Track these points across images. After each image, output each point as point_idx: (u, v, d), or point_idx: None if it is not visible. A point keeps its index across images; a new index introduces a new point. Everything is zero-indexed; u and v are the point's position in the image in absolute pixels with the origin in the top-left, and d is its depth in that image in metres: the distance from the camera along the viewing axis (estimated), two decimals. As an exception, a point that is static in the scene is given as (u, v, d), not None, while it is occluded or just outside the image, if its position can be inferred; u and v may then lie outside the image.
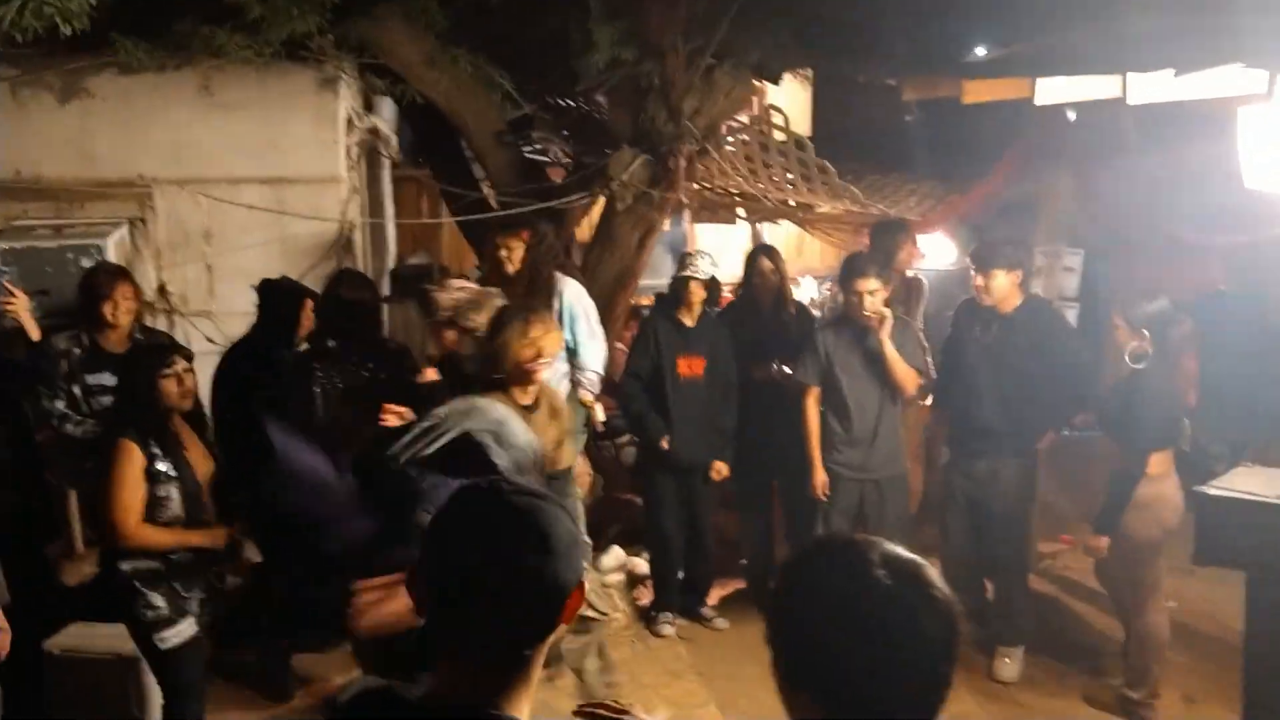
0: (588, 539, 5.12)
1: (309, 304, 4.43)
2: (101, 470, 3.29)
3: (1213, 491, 3.21)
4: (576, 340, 4.82)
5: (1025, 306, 4.41)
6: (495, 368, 3.58)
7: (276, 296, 4.38)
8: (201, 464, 3.43)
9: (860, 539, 1.29)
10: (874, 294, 4.49)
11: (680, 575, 5.22)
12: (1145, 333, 4.06)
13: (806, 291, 7.43)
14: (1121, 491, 3.96)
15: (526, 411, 3.58)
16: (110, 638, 3.66)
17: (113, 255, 4.57)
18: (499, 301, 3.93)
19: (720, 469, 4.90)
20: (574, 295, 4.83)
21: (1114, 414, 4.19)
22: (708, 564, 5.23)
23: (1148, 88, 3.66)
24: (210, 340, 4.73)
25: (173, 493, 3.33)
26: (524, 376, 3.62)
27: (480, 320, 3.80)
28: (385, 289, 5.82)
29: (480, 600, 1.31)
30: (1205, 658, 4.58)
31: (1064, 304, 5.29)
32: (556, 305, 4.78)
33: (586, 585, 1.42)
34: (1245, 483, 3.28)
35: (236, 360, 4.31)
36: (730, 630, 5.16)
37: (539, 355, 3.58)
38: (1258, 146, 3.31)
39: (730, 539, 5.59)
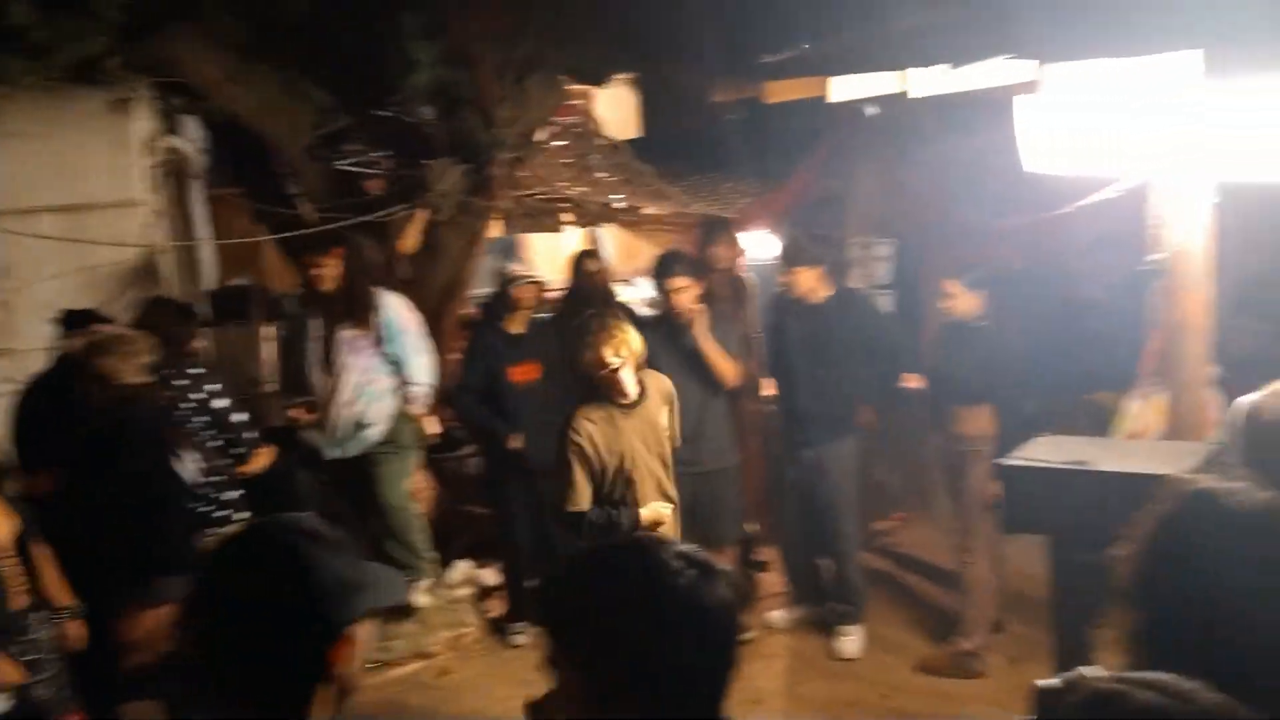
0: (429, 554, 5.07)
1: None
2: None
3: (1011, 462, 3.38)
4: (402, 355, 4.76)
5: (835, 297, 4.59)
6: (588, 381, 3.73)
7: (74, 328, 4.18)
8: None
9: (646, 540, 1.32)
10: (683, 290, 4.58)
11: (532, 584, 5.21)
12: (983, 293, 4.43)
13: (641, 292, 7.50)
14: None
15: (629, 409, 3.73)
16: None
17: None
18: (140, 347, 3.70)
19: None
20: (394, 309, 4.76)
21: (938, 374, 4.48)
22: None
23: (927, 82, 3.87)
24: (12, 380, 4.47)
25: None
26: (608, 383, 3.68)
27: (112, 365, 3.56)
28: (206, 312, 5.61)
29: (242, 639, 1.28)
30: (1030, 621, 4.84)
31: (878, 291, 5.51)
32: (378, 320, 4.71)
33: (369, 629, 1.39)
34: (1043, 452, 3.46)
35: (36, 398, 4.09)
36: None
37: (605, 361, 3.64)
38: (1032, 132, 3.51)
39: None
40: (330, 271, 4.59)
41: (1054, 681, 1.70)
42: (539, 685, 4.46)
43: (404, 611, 5.05)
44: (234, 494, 4.08)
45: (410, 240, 5.53)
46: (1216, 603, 1.54)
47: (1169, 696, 1.10)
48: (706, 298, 4.68)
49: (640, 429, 3.81)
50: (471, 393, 4.88)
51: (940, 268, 4.86)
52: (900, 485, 6.33)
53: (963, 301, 4.49)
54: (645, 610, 1.22)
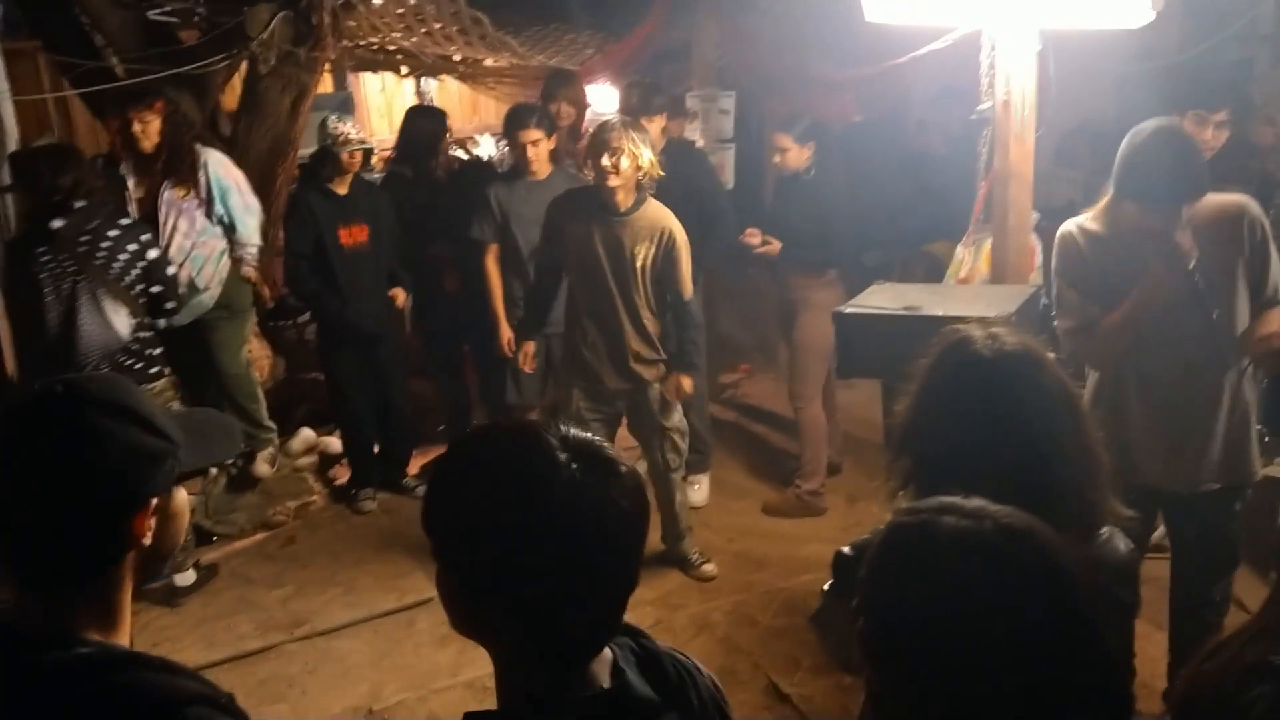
0: (268, 424, 4.94)
1: None
2: None
3: (846, 310, 3.47)
4: (231, 215, 4.53)
5: (669, 148, 4.55)
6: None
7: None
8: None
9: (529, 424, 1.18)
10: (537, 144, 4.48)
11: (376, 449, 5.16)
12: (810, 145, 4.50)
13: (485, 149, 7.30)
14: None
15: (620, 218, 3.85)
16: None
17: None
18: None
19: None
20: (219, 166, 4.51)
21: (774, 228, 4.55)
22: (403, 434, 5.18)
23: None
24: None
25: None
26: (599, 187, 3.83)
27: None
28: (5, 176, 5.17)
29: (29, 521, 1.22)
30: (863, 462, 5.10)
31: (721, 145, 5.49)
32: (203, 179, 4.46)
33: (169, 502, 1.32)
34: (877, 299, 3.57)
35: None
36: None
37: (600, 165, 3.75)
38: (873, -19, 3.48)
39: (429, 406, 5.56)
40: (150, 128, 4.28)
41: (846, 549, 1.78)
42: (390, 549, 4.43)
43: (245, 483, 4.95)
44: (159, 350, 4.07)
45: (231, 95, 5.19)
46: (974, 437, 1.64)
47: (967, 517, 1.16)
48: (554, 153, 4.60)
49: (612, 244, 3.84)
50: (301, 258, 4.69)
51: (779, 121, 4.87)
52: (744, 338, 6.49)
53: (793, 155, 4.54)
54: (520, 510, 1.09)
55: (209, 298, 4.54)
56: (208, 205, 4.49)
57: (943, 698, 1.10)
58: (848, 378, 4.31)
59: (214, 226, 4.51)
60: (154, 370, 4.04)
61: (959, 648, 1.08)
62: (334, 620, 4.12)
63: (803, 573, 4.23)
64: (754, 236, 4.61)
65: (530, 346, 4.43)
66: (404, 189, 5.02)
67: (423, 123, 5.16)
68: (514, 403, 4.85)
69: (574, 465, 1.10)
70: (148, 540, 1.28)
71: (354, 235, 4.69)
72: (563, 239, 4.02)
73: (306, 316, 5.66)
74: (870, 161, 5.25)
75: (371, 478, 5.11)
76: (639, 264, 3.89)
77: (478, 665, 3.92)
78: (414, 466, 5.26)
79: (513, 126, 4.55)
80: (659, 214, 3.90)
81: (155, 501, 1.28)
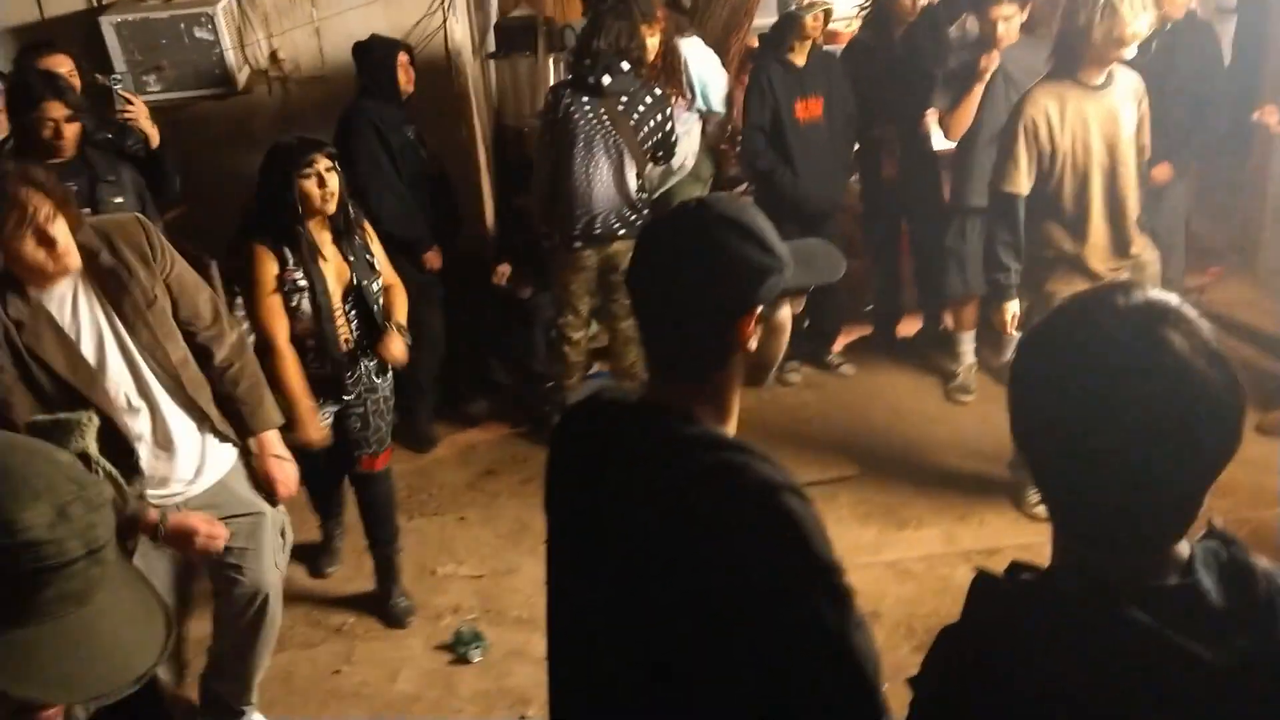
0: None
1: (403, 57, 4.39)
2: (240, 275, 3.25)
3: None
4: (708, 102, 4.71)
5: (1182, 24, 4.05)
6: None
7: (369, 55, 4.37)
8: (338, 272, 3.31)
9: (1107, 292, 1.08)
10: (1009, 19, 4.19)
11: (806, 323, 5.21)
12: None
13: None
14: None
15: (1095, 90, 3.53)
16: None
17: (223, 22, 4.51)
18: None
19: None
20: (697, 61, 4.71)
21: None
22: (832, 311, 5.19)
23: None
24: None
25: (304, 304, 3.23)
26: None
27: None
28: (491, 44, 5.66)
29: (661, 313, 1.45)
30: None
31: (1224, 14, 4.81)
32: (684, 79, 4.63)
33: (773, 315, 1.46)
34: None
35: (350, 125, 4.31)
36: (857, 376, 5.18)
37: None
38: None
39: (857, 285, 5.51)
40: (652, 40, 4.38)
41: None
42: (811, 423, 4.48)
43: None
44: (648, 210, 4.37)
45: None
46: None
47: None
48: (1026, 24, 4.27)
49: (1102, 117, 3.55)
50: (758, 131, 4.74)
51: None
52: (1218, 237, 5.79)
53: None
54: (1080, 381, 1.03)
55: (687, 169, 4.79)
56: (690, 100, 4.70)
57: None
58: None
59: (694, 115, 4.70)
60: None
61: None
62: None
63: (1275, 505, 3.78)
64: (1271, 115, 4.02)
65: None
66: (861, 59, 4.89)
67: None
68: (956, 290, 4.67)
69: (1136, 325, 1.03)
70: (752, 345, 1.43)
71: (810, 109, 4.66)
72: None
73: (744, 187, 5.75)
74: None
75: (799, 351, 5.17)
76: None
77: (899, 547, 3.93)
78: (839, 344, 5.27)
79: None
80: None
81: (760, 310, 1.42)
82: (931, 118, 4.60)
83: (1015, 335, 3.76)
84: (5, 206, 2.35)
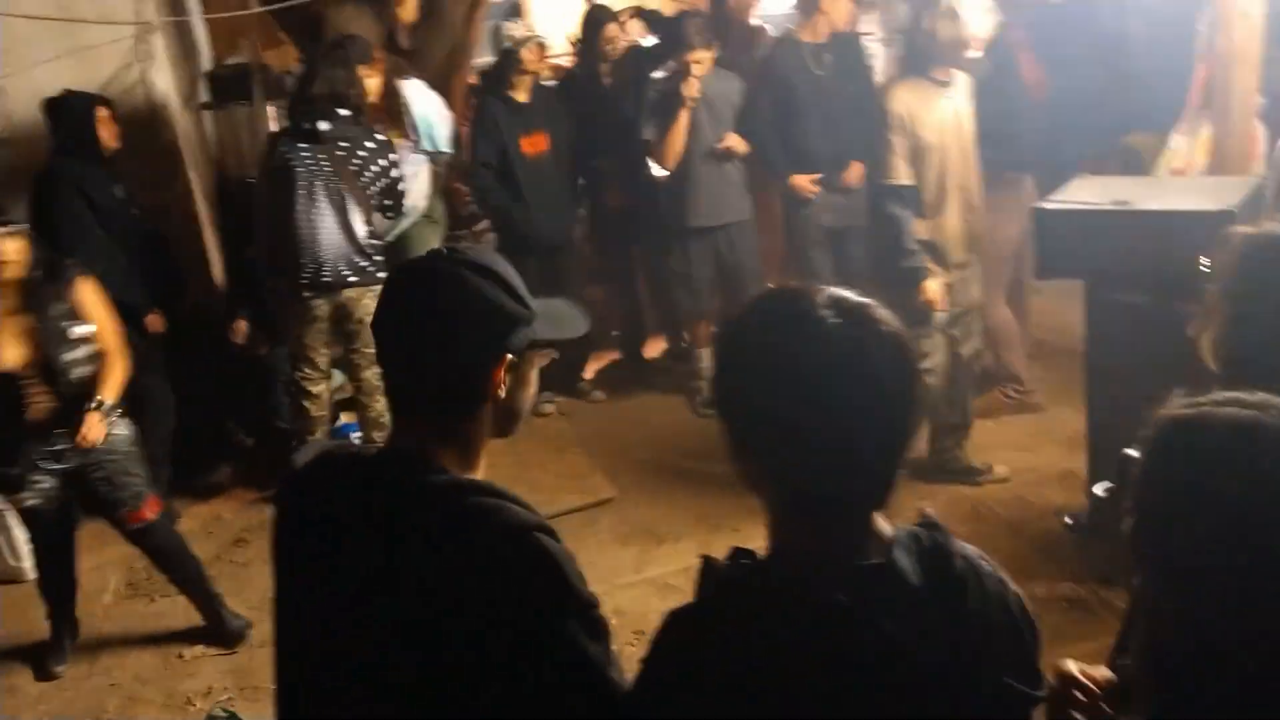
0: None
1: (102, 112, 4.18)
2: None
3: (1049, 205, 3.30)
4: (434, 141, 4.66)
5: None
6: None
7: (63, 113, 4.15)
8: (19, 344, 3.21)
9: (802, 288, 1.19)
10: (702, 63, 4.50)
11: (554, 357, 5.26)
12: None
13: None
14: None
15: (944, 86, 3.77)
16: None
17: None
18: None
19: None
20: (418, 99, 4.66)
21: None
22: (583, 340, 5.26)
23: None
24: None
25: None
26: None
27: None
28: (202, 94, 5.42)
29: (401, 360, 1.43)
30: (1055, 368, 4.89)
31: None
32: (407, 119, 4.58)
33: (522, 366, 1.46)
34: (1080, 193, 3.38)
35: (47, 188, 4.02)
36: (608, 402, 5.28)
37: None
38: None
39: (600, 313, 5.62)
40: (372, 83, 4.31)
41: (1132, 450, 1.64)
42: (568, 451, 4.47)
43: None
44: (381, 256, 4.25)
45: (409, 8, 5.26)
46: None
47: (1249, 407, 1.09)
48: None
49: (952, 112, 3.76)
50: (486, 167, 4.76)
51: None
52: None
53: None
54: (773, 360, 1.13)
55: (419, 211, 4.69)
56: (415, 141, 4.64)
57: (1217, 593, 1.05)
58: (1048, 278, 4.11)
59: (421, 156, 4.65)
60: (380, 274, 4.19)
61: (1235, 538, 1.03)
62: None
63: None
64: None
65: None
66: (575, 94, 5.02)
67: (591, 14, 5.12)
68: (688, 309, 4.85)
69: (833, 318, 1.12)
70: (502, 393, 1.43)
71: (535, 144, 4.73)
72: None
73: (483, 226, 5.76)
74: (1068, 45, 4.88)
75: (551, 382, 5.22)
76: None
77: (659, 563, 4.01)
78: (590, 371, 5.35)
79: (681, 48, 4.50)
80: None
81: (510, 358, 1.42)
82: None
83: (944, 310, 3.87)
84: None
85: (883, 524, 1.18)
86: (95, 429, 3.32)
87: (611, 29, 5.00)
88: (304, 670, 1.52)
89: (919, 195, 3.80)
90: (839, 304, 1.14)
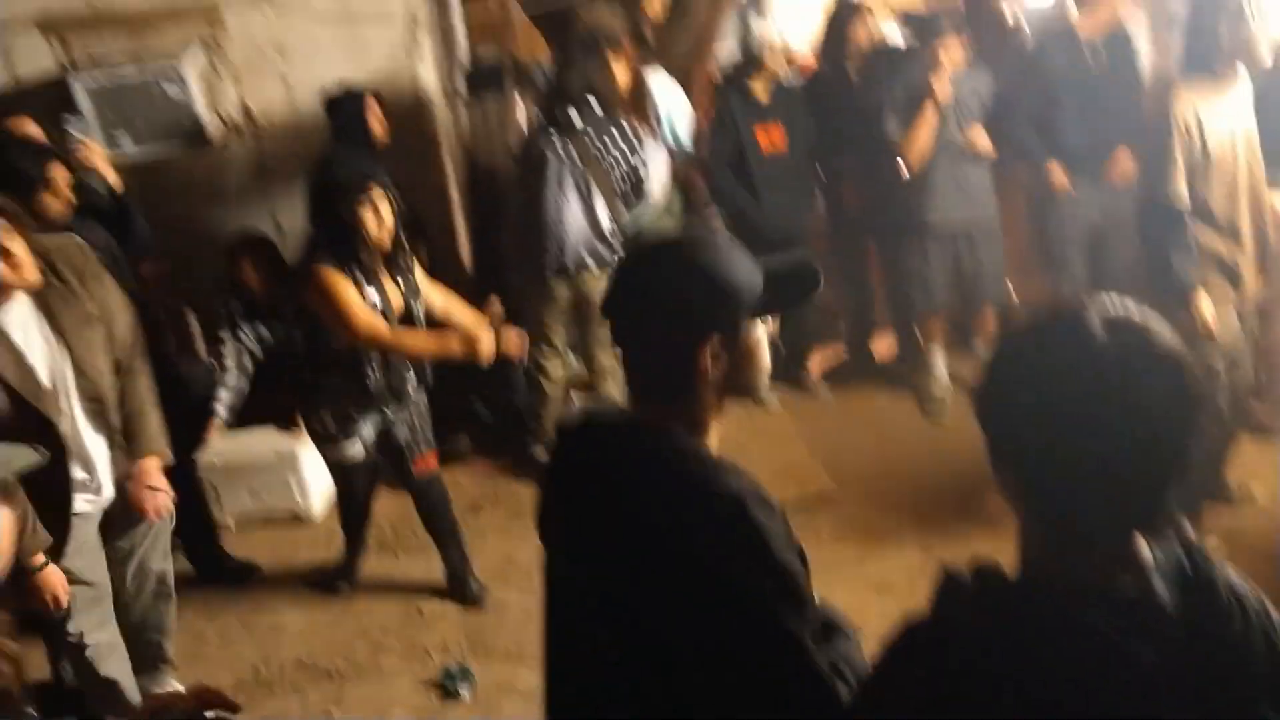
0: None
1: (374, 105, 4.48)
2: (320, 302, 3.40)
3: None
4: (676, 135, 4.77)
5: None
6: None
7: (339, 105, 4.47)
8: (392, 294, 3.53)
9: (1079, 304, 1.15)
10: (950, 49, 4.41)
11: (780, 347, 5.29)
12: None
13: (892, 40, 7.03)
14: None
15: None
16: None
17: (193, 79, 4.59)
18: None
19: None
20: (662, 92, 4.77)
21: None
22: (807, 330, 5.27)
23: None
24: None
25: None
26: None
27: None
28: (461, 86, 5.75)
29: (623, 339, 1.55)
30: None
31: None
32: (651, 111, 4.72)
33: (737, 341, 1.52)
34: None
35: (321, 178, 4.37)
36: (833, 397, 5.25)
37: None
38: None
39: (829, 307, 5.59)
40: (620, 71, 4.46)
41: None
42: (791, 445, 4.51)
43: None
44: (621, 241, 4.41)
45: (657, 4, 5.38)
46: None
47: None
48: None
49: (1236, 114, 3.48)
50: (723, 164, 4.83)
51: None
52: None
53: None
54: (1055, 389, 1.10)
55: (658, 202, 4.82)
56: (657, 132, 4.77)
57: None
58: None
59: (661, 147, 4.77)
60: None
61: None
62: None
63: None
64: None
65: None
66: (821, 91, 5.00)
67: (838, 11, 5.09)
68: (922, 306, 4.76)
69: (1108, 339, 1.09)
70: (716, 369, 1.49)
71: (773, 141, 4.75)
72: None
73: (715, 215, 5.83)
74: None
75: (774, 372, 5.24)
76: None
77: (877, 561, 3.99)
78: (815, 365, 5.34)
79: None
80: None
81: (718, 336, 1.48)
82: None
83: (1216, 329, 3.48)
84: None
85: (1144, 547, 1.14)
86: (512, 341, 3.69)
87: (858, 26, 4.95)
88: (561, 616, 1.66)
89: (1206, 207, 3.47)
90: (1115, 324, 1.11)
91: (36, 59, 4.70)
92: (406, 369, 3.61)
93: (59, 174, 3.36)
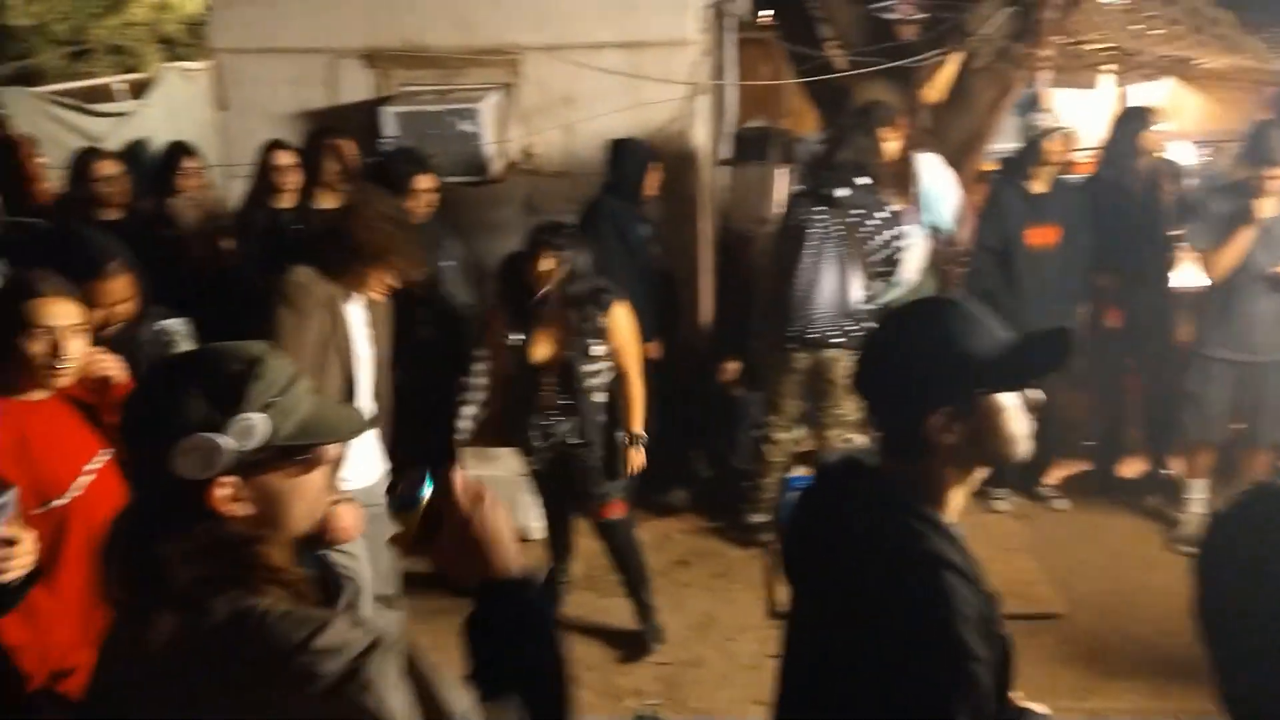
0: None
1: (654, 166, 4.63)
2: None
3: None
4: (938, 218, 4.70)
5: None
6: None
7: (624, 157, 4.62)
8: (546, 342, 3.77)
9: None
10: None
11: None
12: None
13: (1179, 159, 6.71)
14: None
15: None
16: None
17: (486, 118, 4.91)
18: None
19: None
20: (932, 174, 4.71)
21: None
22: (1048, 438, 5.02)
23: None
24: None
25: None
26: None
27: None
28: (726, 152, 5.90)
29: (865, 401, 1.59)
30: None
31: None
32: (913, 190, 4.67)
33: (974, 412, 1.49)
34: None
35: (589, 219, 4.58)
36: (1071, 512, 4.98)
37: None
38: None
39: (1075, 419, 5.32)
40: (889, 145, 4.48)
41: None
42: (1017, 554, 4.30)
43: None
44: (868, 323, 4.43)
45: (936, 89, 5.36)
46: None
47: None
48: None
49: None
50: (989, 254, 4.72)
51: None
52: None
53: None
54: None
55: (911, 283, 4.77)
56: (917, 212, 4.72)
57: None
58: None
59: (920, 229, 4.72)
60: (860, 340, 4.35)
61: None
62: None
63: None
64: None
65: None
66: (1100, 194, 4.82)
67: (1127, 115, 4.90)
68: (1194, 435, 4.46)
69: None
70: (949, 439, 1.47)
71: (1044, 235, 4.61)
72: None
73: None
74: None
75: (1010, 478, 5.03)
76: None
77: (1102, 696, 3.73)
78: (1055, 477, 5.09)
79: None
80: None
81: (949, 408, 1.46)
82: (1185, 255, 4.47)
83: None
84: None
85: None
86: (638, 460, 3.90)
87: (1147, 135, 4.76)
88: (795, 642, 1.69)
89: None
90: None
91: (357, 89, 5.17)
92: (540, 421, 3.86)
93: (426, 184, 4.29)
